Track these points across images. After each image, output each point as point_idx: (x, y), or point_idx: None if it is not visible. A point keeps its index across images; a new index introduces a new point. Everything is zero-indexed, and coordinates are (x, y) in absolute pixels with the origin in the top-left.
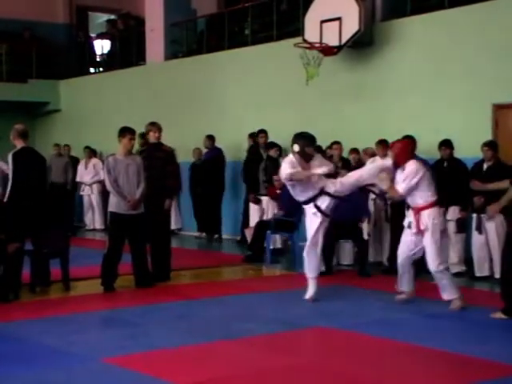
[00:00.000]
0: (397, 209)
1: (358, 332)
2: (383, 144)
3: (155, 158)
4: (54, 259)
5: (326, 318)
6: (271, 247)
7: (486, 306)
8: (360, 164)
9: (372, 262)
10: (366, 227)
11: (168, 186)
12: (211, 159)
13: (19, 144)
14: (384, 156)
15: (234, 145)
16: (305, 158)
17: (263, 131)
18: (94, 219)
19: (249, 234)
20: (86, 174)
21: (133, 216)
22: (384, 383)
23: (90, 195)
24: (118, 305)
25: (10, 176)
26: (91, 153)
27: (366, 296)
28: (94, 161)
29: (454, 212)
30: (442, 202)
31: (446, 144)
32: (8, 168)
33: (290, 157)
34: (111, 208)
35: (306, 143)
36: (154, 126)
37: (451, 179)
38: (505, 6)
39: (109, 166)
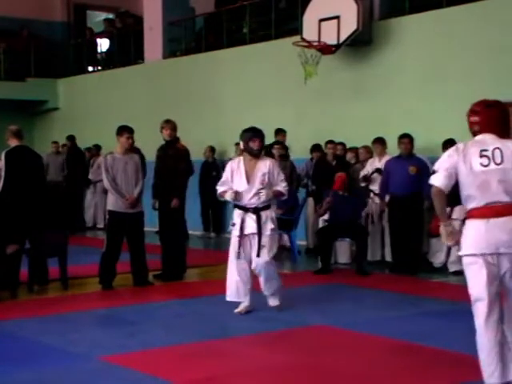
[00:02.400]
0: (394, 208)
1: (356, 330)
2: (380, 142)
3: (167, 156)
4: (52, 258)
5: (324, 316)
6: None
7: None
8: (357, 163)
9: (370, 260)
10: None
11: (176, 185)
12: None
13: (13, 143)
14: (381, 155)
15: (231, 142)
16: (251, 154)
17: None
18: (97, 218)
19: None
20: (91, 172)
21: (131, 214)
22: (382, 382)
23: (93, 193)
24: (116, 303)
25: (3, 174)
26: (96, 151)
27: (364, 294)
28: (99, 160)
29: (459, 211)
30: (448, 201)
31: (451, 144)
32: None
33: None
34: (109, 206)
35: (249, 136)
36: (166, 124)
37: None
38: (503, 5)
39: (107, 164)
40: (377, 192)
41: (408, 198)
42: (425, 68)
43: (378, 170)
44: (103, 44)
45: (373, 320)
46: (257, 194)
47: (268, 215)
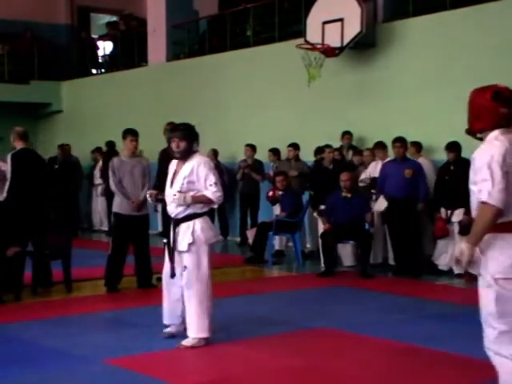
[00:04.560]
0: (391, 211)
1: (359, 333)
2: (381, 146)
3: (165, 160)
4: (55, 260)
5: (327, 318)
6: (276, 248)
7: None
8: (361, 165)
9: (372, 263)
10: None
11: None
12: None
13: (19, 146)
14: (383, 158)
15: (236, 146)
16: (173, 157)
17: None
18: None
19: (251, 235)
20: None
21: (136, 217)
22: None
23: (96, 196)
24: (119, 306)
25: (9, 176)
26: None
27: (367, 297)
28: (100, 162)
29: (459, 214)
30: (449, 204)
31: (454, 146)
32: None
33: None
34: (115, 209)
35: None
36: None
37: (459, 181)
38: (507, 7)
39: (113, 166)
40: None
41: (404, 200)
42: (428, 70)
43: (374, 179)
44: (107, 47)
45: (376, 322)
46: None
47: (189, 226)
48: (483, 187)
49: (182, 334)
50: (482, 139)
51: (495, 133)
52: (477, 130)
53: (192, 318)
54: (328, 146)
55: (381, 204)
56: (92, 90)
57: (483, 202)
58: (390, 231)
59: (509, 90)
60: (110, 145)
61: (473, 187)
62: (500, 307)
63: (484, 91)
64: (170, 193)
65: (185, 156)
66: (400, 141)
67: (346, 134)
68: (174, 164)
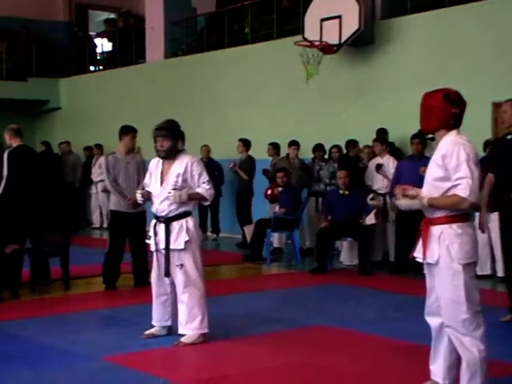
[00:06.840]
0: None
1: (357, 330)
2: (379, 141)
3: None
4: (54, 258)
5: (324, 316)
6: (275, 246)
7: (486, 305)
8: (360, 161)
9: (371, 260)
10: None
11: None
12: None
13: (15, 143)
14: (382, 154)
15: (234, 142)
16: (159, 156)
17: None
18: (102, 217)
19: (248, 231)
20: (93, 172)
21: (133, 214)
22: (384, 382)
23: (96, 193)
24: (117, 303)
25: (5, 174)
26: (97, 151)
27: (365, 294)
28: (100, 159)
29: None
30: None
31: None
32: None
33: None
34: (112, 206)
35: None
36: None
37: None
38: (506, 4)
39: (108, 164)
40: (380, 192)
41: None
42: (426, 67)
43: (378, 166)
44: (104, 44)
45: (374, 320)
46: (167, 197)
47: (183, 225)
48: (463, 183)
49: (166, 335)
50: (433, 139)
51: (453, 133)
52: (430, 129)
53: (191, 314)
54: (338, 145)
55: (371, 218)
56: (90, 87)
57: (463, 197)
58: (397, 228)
59: (457, 93)
60: (47, 145)
61: (439, 183)
62: (468, 291)
63: (435, 93)
64: (162, 192)
65: (170, 155)
66: (418, 137)
67: (380, 134)
68: (157, 163)
